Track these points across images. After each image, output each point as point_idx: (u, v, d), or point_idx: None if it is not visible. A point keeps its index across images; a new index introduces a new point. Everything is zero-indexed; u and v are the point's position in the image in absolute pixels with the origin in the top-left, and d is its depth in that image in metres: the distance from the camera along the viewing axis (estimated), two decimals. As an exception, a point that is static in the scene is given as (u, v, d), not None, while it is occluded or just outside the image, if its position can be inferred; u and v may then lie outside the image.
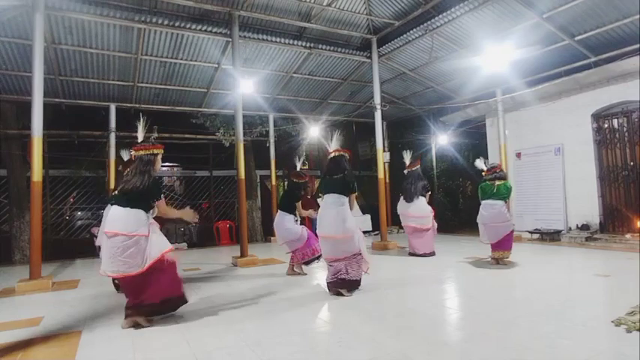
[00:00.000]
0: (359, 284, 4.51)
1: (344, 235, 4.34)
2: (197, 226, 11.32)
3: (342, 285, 4.39)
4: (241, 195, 7.10)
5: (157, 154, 3.73)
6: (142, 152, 3.66)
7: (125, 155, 5.02)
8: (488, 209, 5.95)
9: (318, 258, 5.57)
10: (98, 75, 8.29)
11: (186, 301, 3.80)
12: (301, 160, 6.48)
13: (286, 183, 6.84)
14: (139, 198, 3.53)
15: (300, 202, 5.78)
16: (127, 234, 3.39)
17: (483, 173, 6.21)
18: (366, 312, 3.79)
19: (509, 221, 5.95)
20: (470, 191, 12.73)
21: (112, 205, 3.65)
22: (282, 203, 5.91)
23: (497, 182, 6.01)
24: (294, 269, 5.75)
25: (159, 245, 3.53)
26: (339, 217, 4.38)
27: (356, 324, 3.45)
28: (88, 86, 8.63)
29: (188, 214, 3.95)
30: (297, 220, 5.81)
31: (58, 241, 9.63)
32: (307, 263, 5.70)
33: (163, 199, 3.68)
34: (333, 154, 4.76)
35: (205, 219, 11.89)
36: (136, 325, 3.49)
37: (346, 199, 4.50)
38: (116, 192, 3.71)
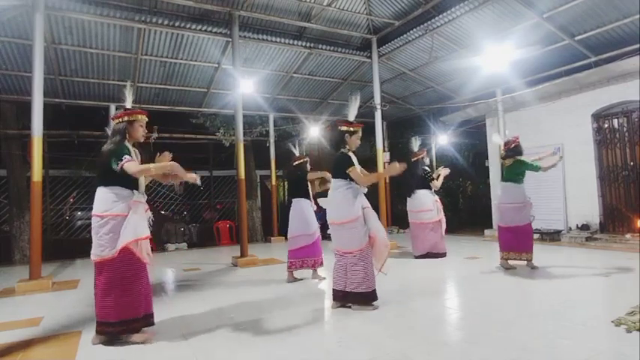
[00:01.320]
0: (371, 297, 3.84)
1: (343, 219, 3.84)
2: (197, 225, 11.33)
3: (350, 299, 3.87)
4: (241, 195, 7.10)
5: (132, 120, 3.24)
6: (114, 122, 3.26)
7: None
8: (500, 190, 5.61)
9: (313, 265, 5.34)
10: (98, 75, 8.30)
11: (153, 323, 3.28)
12: (297, 147, 5.97)
13: (287, 178, 6.51)
14: (109, 172, 3.08)
15: (308, 178, 5.43)
16: (100, 214, 3.04)
17: (501, 149, 5.70)
18: (366, 312, 3.78)
19: (522, 204, 5.40)
20: (470, 191, 12.73)
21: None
22: (292, 191, 5.57)
23: (508, 161, 5.49)
24: (295, 276, 5.39)
25: (135, 229, 3.04)
26: (338, 200, 3.92)
27: (356, 324, 3.45)
28: (88, 86, 8.64)
29: (169, 166, 3.11)
30: (313, 208, 5.46)
31: (58, 241, 9.63)
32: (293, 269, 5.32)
33: (126, 160, 3.02)
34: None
35: (205, 219, 11.92)
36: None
37: (344, 181, 3.91)
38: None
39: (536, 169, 5.43)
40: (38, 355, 3.03)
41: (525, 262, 5.46)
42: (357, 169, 3.89)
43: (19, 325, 3.74)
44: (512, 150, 5.49)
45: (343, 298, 3.90)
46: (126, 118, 3.25)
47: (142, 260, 3.12)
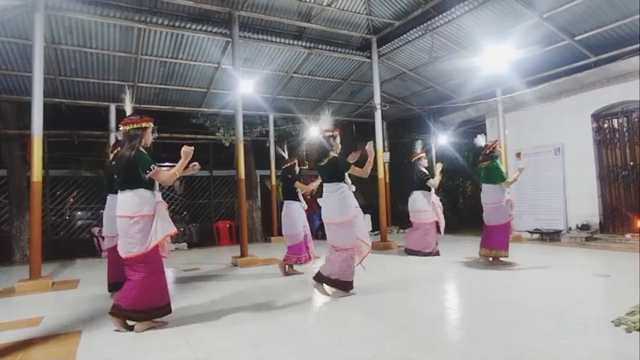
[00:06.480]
0: (348, 287, 4.32)
1: (341, 220, 4.24)
2: (197, 225, 11.34)
3: (331, 283, 4.30)
4: (241, 195, 7.10)
5: (146, 127, 3.48)
6: (128, 127, 3.45)
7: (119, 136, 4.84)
8: (483, 192, 5.90)
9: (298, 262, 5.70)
10: (98, 75, 8.29)
11: (170, 311, 3.53)
12: (286, 150, 6.46)
13: (280, 181, 7.09)
14: (134, 177, 3.34)
15: (297, 181, 5.81)
16: (130, 215, 3.30)
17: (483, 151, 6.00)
18: (366, 312, 3.79)
19: (501, 203, 5.64)
20: (470, 191, 12.72)
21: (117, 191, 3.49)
22: (284, 193, 6.00)
23: (486, 163, 5.78)
24: (292, 268, 5.81)
25: (164, 227, 3.37)
26: (335, 202, 4.28)
27: (356, 324, 3.46)
28: (88, 86, 8.63)
29: (183, 164, 3.45)
30: (304, 208, 5.81)
31: (58, 241, 9.63)
32: (290, 267, 5.79)
33: (156, 169, 3.35)
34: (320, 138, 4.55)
35: (205, 219, 11.92)
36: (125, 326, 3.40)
37: (341, 184, 4.31)
38: (115, 177, 3.62)
39: (503, 179, 5.72)
40: (38, 355, 3.03)
41: (491, 258, 5.76)
42: (354, 167, 4.32)
43: (19, 325, 3.74)
44: (489, 154, 5.81)
45: (327, 282, 4.32)
46: (144, 125, 3.47)
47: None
